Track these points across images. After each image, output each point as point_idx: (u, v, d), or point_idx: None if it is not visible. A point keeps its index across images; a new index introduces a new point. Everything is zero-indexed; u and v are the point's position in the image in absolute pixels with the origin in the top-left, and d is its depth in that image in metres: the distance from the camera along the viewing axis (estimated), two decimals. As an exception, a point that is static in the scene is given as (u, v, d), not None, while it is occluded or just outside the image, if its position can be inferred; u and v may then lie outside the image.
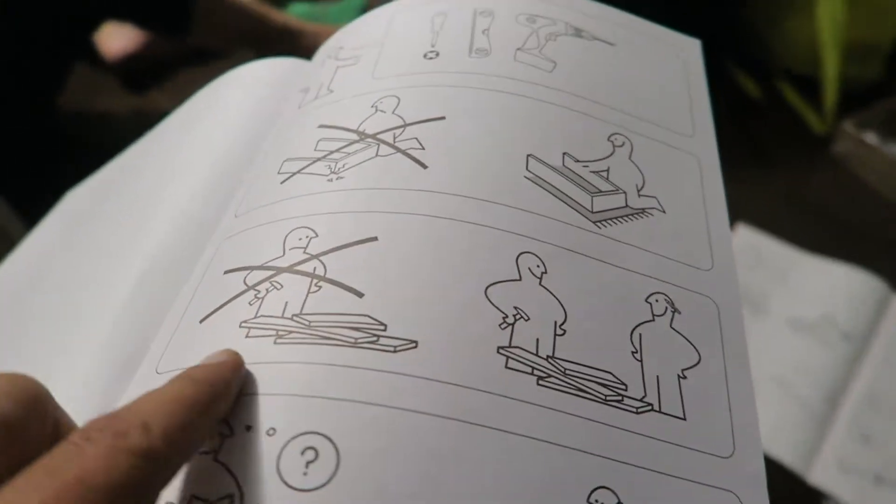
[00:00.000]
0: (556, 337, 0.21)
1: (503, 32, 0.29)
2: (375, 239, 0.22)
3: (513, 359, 0.20)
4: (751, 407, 0.22)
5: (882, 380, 0.56)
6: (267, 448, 0.18)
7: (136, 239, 0.29)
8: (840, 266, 0.62)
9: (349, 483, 0.17)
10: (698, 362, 0.22)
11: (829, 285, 0.61)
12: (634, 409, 0.21)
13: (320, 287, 0.21)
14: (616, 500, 0.19)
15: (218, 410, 0.18)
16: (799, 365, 0.57)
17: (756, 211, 0.66)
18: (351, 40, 0.31)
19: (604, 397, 0.20)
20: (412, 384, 0.19)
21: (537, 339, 0.21)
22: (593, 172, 0.25)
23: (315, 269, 0.22)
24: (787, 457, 0.52)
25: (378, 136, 0.25)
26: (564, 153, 0.25)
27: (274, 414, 0.19)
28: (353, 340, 0.20)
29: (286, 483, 0.18)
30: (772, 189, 0.69)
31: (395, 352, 0.20)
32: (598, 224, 0.24)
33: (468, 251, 0.22)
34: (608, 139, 0.26)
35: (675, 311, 0.23)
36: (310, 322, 0.20)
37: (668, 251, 0.24)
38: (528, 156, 0.25)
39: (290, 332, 0.20)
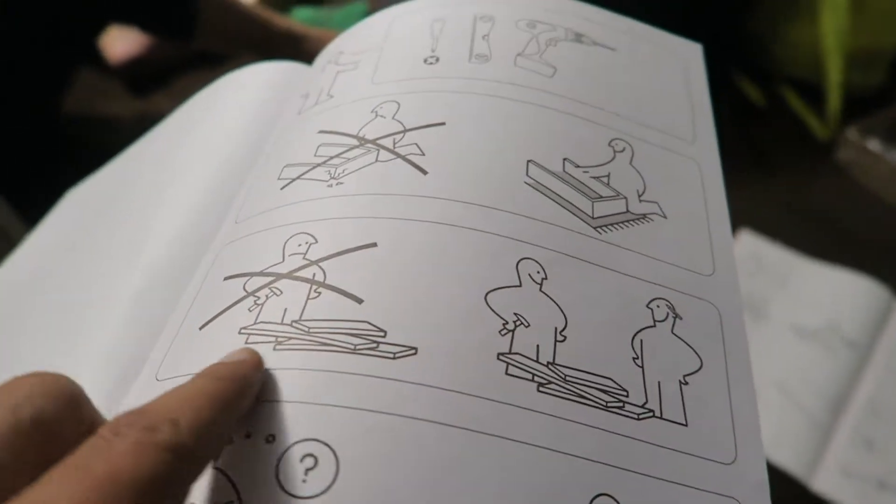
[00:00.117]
0: (557, 343, 0.21)
1: (503, 38, 0.29)
2: (375, 245, 0.22)
3: (513, 365, 0.20)
4: (753, 413, 0.22)
5: (885, 386, 0.56)
6: (266, 455, 0.18)
7: (136, 240, 0.29)
8: (843, 273, 0.62)
9: (348, 490, 0.17)
10: (700, 368, 0.22)
11: (832, 292, 0.61)
12: (636, 416, 0.20)
13: (320, 293, 0.21)
14: None
15: (241, 407, 0.18)
16: (802, 372, 0.57)
17: (758, 217, 0.66)
18: (351, 45, 0.31)
19: (605, 404, 0.20)
20: (412, 391, 0.19)
21: (538, 346, 0.21)
22: (594, 178, 0.25)
23: (314, 275, 0.22)
24: (790, 463, 0.52)
25: (378, 142, 0.25)
26: (565, 159, 0.25)
27: (273, 421, 0.19)
28: (352, 347, 0.20)
29: (285, 490, 0.17)
30: (774, 195, 0.69)
31: (394, 358, 0.20)
32: (599, 230, 0.24)
33: (468, 257, 0.22)
34: (609, 144, 0.26)
35: (676, 316, 0.23)
36: (309, 328, 0.20)
37: (670, 256, 0.24)
38: (529, 161, 0.25)
39: (290, 338, 0.20)
